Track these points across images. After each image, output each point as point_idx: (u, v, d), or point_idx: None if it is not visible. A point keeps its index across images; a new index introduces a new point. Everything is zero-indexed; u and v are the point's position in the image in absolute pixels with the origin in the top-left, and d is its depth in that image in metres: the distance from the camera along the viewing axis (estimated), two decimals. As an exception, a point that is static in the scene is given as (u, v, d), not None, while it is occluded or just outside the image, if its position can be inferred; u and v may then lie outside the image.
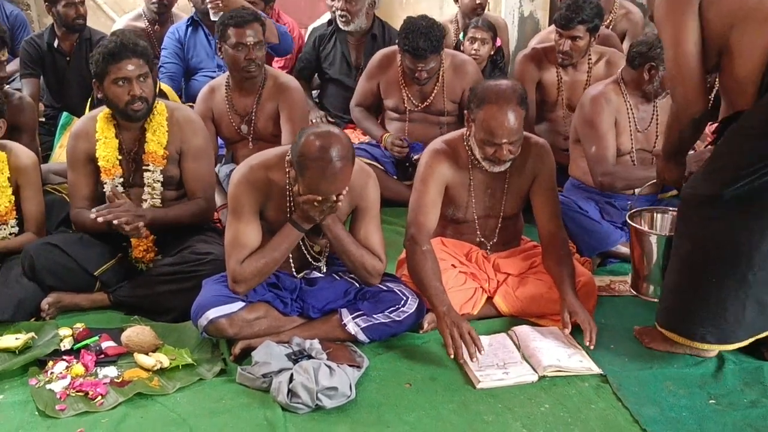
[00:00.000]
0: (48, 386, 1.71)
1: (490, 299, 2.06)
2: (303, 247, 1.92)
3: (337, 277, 1.97)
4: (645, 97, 2.44)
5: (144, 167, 2.13)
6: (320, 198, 1.73)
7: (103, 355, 1.83)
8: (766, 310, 1.74)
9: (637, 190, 2.37)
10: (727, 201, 1.66)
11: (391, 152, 2.90)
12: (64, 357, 1.82)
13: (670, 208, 2.11)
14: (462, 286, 2.00)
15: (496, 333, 1.94)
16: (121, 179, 2.13)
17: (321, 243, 1.94)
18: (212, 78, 3.04)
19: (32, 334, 1.89)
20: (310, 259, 1.96)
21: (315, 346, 1.76)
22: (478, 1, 3.48)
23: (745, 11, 1.63)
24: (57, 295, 2.07)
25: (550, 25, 3.77)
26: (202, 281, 1.91)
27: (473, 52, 3.22)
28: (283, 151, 1.85)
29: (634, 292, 2.10)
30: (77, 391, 1.69)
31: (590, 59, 2.83)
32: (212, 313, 1.79)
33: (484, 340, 1.84)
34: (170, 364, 1.78)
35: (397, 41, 2.83)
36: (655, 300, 1.96)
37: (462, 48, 3.30)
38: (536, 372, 1.77)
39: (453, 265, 2.04)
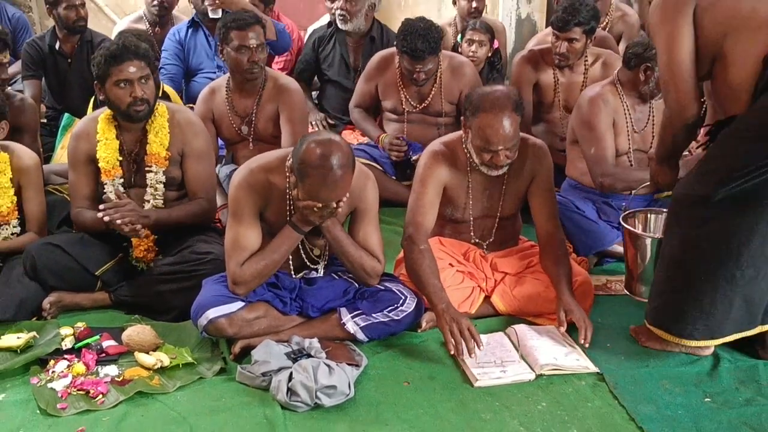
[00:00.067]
0: (49, 385, 1.72)
1: (487, 298, 2.07)
2: (302, 251, 1.94)
3: (336, 277, 1.98)
4: (641, 98, 2.46)
5: (146, 168, 2.14)
6: (320, 204, 1.74)
7: (104, 354, 1.84)
8: (751, 307, 1.76)
9: (633, 191, 2.39)
10: (719, 201, 1.68)
11: (389, 154, 2.92)
12: (66, 356, 1.83)
13: (664, 209, 2.13)
14: (459, 285, 2.02)
15: (493, 332, 1.96)
16: (122, 180, 2.14)
17: (320, 244, 1.95)
18: (212, 79, 3.06)
19: (34, 333, 1.91)
20: (309, 263, 1.97)
21: (314, 345, 1.77)
22: (474, 6, 3.50)
23: (738, 20, 1.65)
24: (58, 295, 2.08)
25: (547, 27, 3.79)
26: (202, 281, 1.92)
27: (471, 54, 3.23)
28: (283, 154, 1.86)
29: (628, 293, 2.11)
30: (78, 390, 1.70)
31: (587, 61, 2.85)
32: (212, 313, 1.81)
33: (482, 338, 1.85)
34: (170, 363, 1.79)
35: (395, 43, 2.85)
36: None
37: (460, 50, 3.32)
38: (533, 370, 1.78)
39: (450, 264, 2.06)
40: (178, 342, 1.89)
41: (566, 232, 2.17)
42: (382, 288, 1.94)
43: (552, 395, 1.71)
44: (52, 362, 1.80)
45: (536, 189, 2.07)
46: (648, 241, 2.00)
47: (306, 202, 1.74)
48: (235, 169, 2.45)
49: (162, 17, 3.53)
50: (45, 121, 3.23)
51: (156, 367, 1.78)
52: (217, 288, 1.86)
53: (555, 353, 1.83)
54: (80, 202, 2.17)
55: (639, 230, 2.10)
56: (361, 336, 1.88)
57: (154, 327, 1.93)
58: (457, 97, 2.87)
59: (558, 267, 1.98)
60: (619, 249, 2.38)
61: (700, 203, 1.72)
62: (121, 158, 2.14)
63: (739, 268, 1.70)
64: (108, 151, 2.12)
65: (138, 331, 1.88)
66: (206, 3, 3.11)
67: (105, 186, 2.14)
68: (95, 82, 2.11)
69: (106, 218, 1.99)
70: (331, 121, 3.37)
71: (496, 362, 1.81)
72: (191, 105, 2.83)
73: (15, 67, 3.35)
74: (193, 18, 3.41)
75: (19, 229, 2.21)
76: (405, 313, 1.90)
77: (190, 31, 3.36)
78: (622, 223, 2.06)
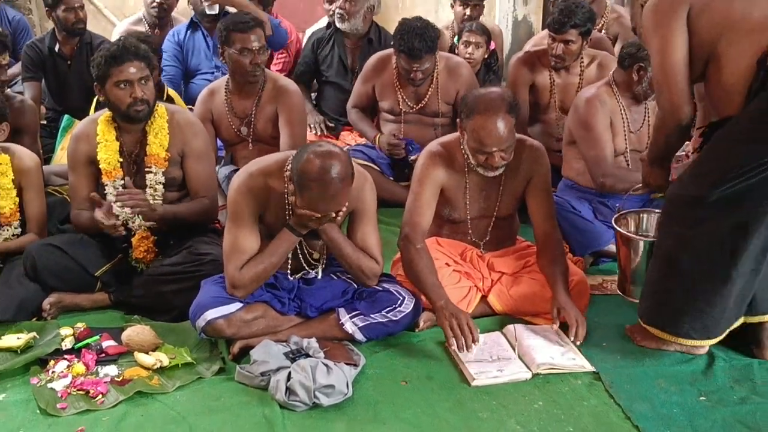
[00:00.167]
0: (49, 385, 1.73)
1: (484, 298, 2.08)
2: (300, 254, 1.94)
3: (334, 277, 1.99)
4: (635, 98, 2.47)
5: (146, 169, 2.16)
6: (319, 215, 1.75)
7: (103, 354, 1.85)
8: (742, 303, 1.78)
9: (627, 192, 2.40)
10: (713, 202, 1.69)
11: (388, 153, 2.93)
12: (66, 356, 1.84)
13: (656, 210, 2.14)
14: (456, 285, 2.03)
15: (490, 331, 1.97)
16: (122, 181, 2.16)
17: (318, 246, 1.96)
18: (210, 80, 3.08)
19: (34, 333, 1.92)
20: (307, 266, 1.97)
21: (312, 344, 1.78)
22: (467, 14, 3.52)
23: (731, 22, 1.66)
24: (58, 296, 2.09)
25: (543, 28, 3.81)
26: (201, 282, 1.93)
27: (467, 55, 3.25)
28: (282, 158, 1.87)
29: (621, 294, 2.13)
30: (78, 390, 1.71)
31: (582, 62, 2.87)
32: (210, 314, 1.82)
33: (480, 337, 1.85)
34: (170, 363, 1.80)
35: (392, 42, 2.86)
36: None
37: (457, 52, 3.34)
38: (530, 370, 1.79)
39: (447, 264, 2.07)
40: (178, 342, 1.89)
41: (562, 232, 2.18)
42: (381, 289, 1.95)
43: (548, 394, 1.72)
44: (52, 362, 1.81)
45: (533, 190, 2.09)
46: (640, 243, 2.01)
47: (304, 211, 1.75)
48: (235, 170, 2.47)
49: (161, 19, 3.54)
50: (45, 122, 3.24)
51: (155, 367, 1.79)
52: (215, 289, 1.87)
53: (551, 352, 1.85)
54: (80, 204, 2.18)
55: (632, 230, 2.11)
56: (359, 336, 1.89)
57: (153, 327, 1.94)
58: (454, 98, 2.89)
59: (554, 266, 1.99)
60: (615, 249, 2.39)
61: (695, 204, 1.73)
62: (121, 159, 2.16)
63: (734, 268, 1.71)
64: (108, 153, 2.13)
65: (137, 332, 1.89)
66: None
67: (106, 187, 2.16)
68: (95, 83, 2.12)
69: (118, 204, 2.02)
70: (329, 123, 3.38)
71: (493, 361, 1.82)
72: (191, 107, 2.84)
73: (15, 69, 3.36)
74: (192, 19, 3.43)
75: (20, 230, 2.22)
76: (403, 314, 1.92)
77: (188, 32, 3.38)
78: (614, 224, 2.07)
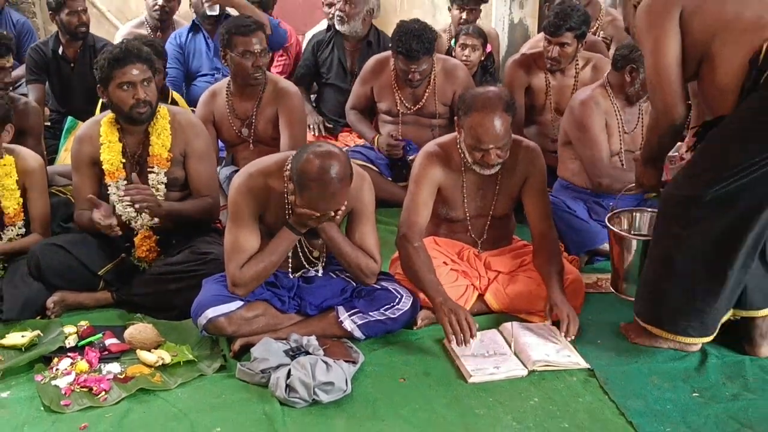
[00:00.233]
0: (53, 382, 1.75)
1: (481, 296, 2.10)
2: (300, 252, 1.97)
3: (333, 276, 2.01)
4: (629, 99, 2.50)
5: (149, 170, 2.18)
6: (318, 214, 1.78)
7: (106, 352, 1.87)
8: (732, 294, 1.79)
9: (621, 192, 2.42)
10: (708, 202, 1.70)
11: (387, 154, 2.95)
12: (69, 354, 1.86)
13: (648, 209, 2.16)
14: (453, 283, 2.05)
15: (486, 329, 1.98)
16: (125, 182, 2.18)
17: (318, 245, 1.98)
18: (211, 81, 3.10)
19: (38, 332, 1.94)
20: (307, 264, 2.00)
21: (312, 342, 1.80)
22: (464, 18, 3.55)
23: (723, 23, 1.68)
24: (62, 294, 2.11)
25: (539, 31, 3.83)
26: (202, 281, 1.96)
27: (464, 57, 3.27)
28: (281, 158, 1.89)
29: (615, 292, 2.15)
30: (82, 387, 1.73)
31: (577, 65, 2.89)
32: (211, 312, 1.84)
33: (477, 335, 1.87)
34: (172, 360, 1.82)
35: (390, 44, 2.89)
36: (634, 299, 1.99)
37: (453, 54, 3.36)
38: (526, 367, 1.81)
39: (444, 262, 2.09)
40: (179, 340, 1.91)
41: (558, 232, 2.20)
42: (379, 287, 1.97)
43: (544, 391, 1.74)
44: (55, 360, 1.83)
45: (529, 190, 2.11)
46: (633, 241, 2.03)
47: (304, 210, 1.78)
48: (235, 171, 2.50)
49: (163, 22, 3.57)
50: (48, 124, 3.26)
51: (157, 364, 1.81)
52: (216, 287, 1.90)
53: (547, 350, 1.87)
54: (83, 204, 2.20)
55: (625, 229, 2.13)
56: (358, 334, 1.91)
57: (155, 325, 1.95)
58: (451, 99, 2.91)
59: (550, 265, 2.01)
60: (610, 248, 2.41)
61: (690, 203, 1.74)
62: (124, 160, 2.18)
63: (730, 267, 1.73)
64: (111, 154, 2.16)
65: (140, 330, 1.91)
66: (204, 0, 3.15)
67: (109, 188, 2.18)
68: (98, 85, 2.14)
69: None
70: (328, 124, 3.42)
71: (490, 357, 1.84)
72: (192, 109, 2.87)
73: (19, 71, 3.39)
74: (193, 21, 3.46)
75: (24, 230, 2.25)
76: (401, 312, 1.94)
77: (190, 35, 3.41)
78: (607, 223, 2.09)
